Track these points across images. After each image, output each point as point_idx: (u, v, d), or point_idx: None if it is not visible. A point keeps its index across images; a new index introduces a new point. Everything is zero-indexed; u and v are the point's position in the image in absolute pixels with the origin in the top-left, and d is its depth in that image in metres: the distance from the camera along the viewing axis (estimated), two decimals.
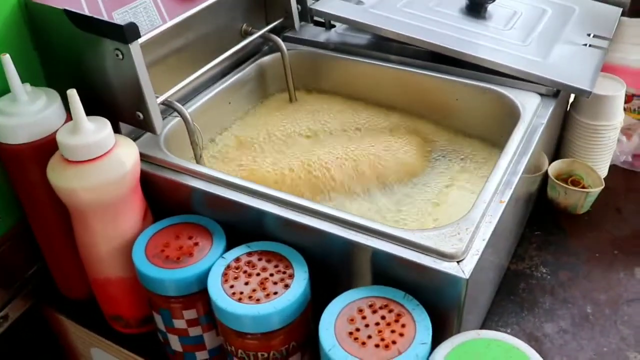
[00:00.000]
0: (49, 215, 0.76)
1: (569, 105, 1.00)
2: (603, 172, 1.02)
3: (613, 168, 1.05)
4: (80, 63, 0.74)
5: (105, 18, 0.76)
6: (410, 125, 0.93)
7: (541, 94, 0.85)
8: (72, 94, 0.65)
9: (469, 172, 0.86)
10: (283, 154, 0.86)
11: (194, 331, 0.71)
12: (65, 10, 0.70)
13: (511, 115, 0.83)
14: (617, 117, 0.97)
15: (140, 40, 0.69)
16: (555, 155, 1.04)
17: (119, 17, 0.77)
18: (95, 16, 0.69)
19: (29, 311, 0.87)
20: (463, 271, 0.59)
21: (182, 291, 0.68)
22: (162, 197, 0.76)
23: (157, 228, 0.72)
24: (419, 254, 0.61)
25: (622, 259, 0.88)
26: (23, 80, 0.71)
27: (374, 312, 0.60)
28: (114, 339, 0.82)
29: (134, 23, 0.67)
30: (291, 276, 0.65)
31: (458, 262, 0.60)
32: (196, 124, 0.79)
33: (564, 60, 0.90)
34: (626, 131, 1.06)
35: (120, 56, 0.69)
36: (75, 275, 0.80)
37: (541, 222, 0.95)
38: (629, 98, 1.03)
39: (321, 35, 1.02)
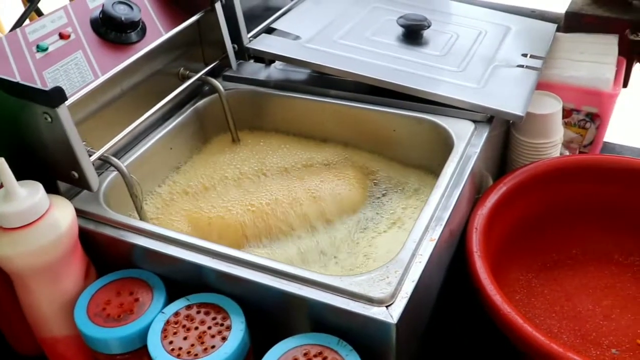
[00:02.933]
0: None
1: (510, 124, 1.02)
2: None
3: None
4: (14, 125, 0.74)
5: (36, 78, 0.76)
6: (350, 158, 0.94)
7: (475, 121, 0.87)
8: (0, 161, 0.65)
9: (410, 203, 0.87)
10: (226, 198, 0.86)
11: None
12: None
13: (447, 145, 0.84)
14: (557, 134, 0.98)
15: (69, 102, 0.70)
16: (500, 173, 1.04)
17: (50, 77, 0.77)
18: (21, 82, 0.69)
19: None
20: (391, 316, 0.60)
21: (125, 348, 0.69)
22: (104, 252, 0.76)
23: (98, 286, 0.73)
24: (348, 301, 0.62)
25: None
26: None
27: None
28: None
29: (60, 87, 0.68)
30: (228, 328, 0.66)
31: (387, 306, 0.61)
32: (135, 175, 0.79)
33: (498, 84, 0.91)
34: (569, 145, 1.08)
35: (49, 119, 0.69)
36: (25, 332, 0.80)
37: None
38: (568, 113, 1.05)
39: (261, 72, 1.02)
